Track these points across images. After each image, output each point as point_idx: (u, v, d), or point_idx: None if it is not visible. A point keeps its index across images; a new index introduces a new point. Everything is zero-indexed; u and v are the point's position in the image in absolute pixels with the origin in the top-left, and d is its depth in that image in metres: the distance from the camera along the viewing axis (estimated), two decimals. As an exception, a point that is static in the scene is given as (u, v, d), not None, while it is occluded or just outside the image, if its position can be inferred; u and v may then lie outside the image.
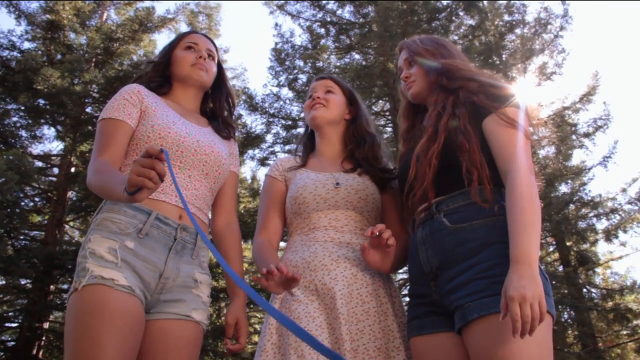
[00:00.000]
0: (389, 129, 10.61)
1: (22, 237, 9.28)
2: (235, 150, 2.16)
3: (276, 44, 11.38)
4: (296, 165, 2.23)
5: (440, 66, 1.93)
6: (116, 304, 1.54)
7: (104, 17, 11.35)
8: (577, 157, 10.76)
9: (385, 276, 2.01)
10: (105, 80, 9.14)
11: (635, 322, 10.05)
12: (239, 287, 1.89)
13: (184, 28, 11.31)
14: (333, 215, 2.03)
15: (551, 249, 10.81)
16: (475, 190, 1.69)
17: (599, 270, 11.48)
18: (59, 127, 9.85)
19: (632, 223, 10.22)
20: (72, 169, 9.64)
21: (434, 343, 1.72)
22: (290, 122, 11.26)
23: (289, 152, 10.80)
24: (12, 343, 8.92)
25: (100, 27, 10.18)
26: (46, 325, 8.73)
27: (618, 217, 10.21)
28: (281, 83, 11.27)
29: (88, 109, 9.84)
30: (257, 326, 11.95)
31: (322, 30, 11.50)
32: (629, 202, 10.27)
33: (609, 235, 10.19)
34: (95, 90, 9.46)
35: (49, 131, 10.23)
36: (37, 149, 10.33)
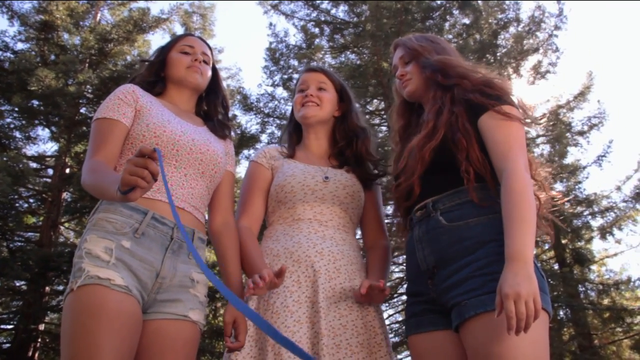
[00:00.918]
0: (383, 128, 10.61)
1: (17, 239, 9.24)
2: (231, 150, 2.15)
3: (270, 43, 11.38)
4: (284, 154, 2.21)
5: (436, 62, 1.93)
6: (113, 304, 1.53)
7: (98, 18, 11.30)
8: (572, 156, 10.75)
9: (367, 272, 2.03)
10: (100, 81, 9.10)
11: (630, 319, 10.10)
12: (235, 286, 1.88)
13: (178, 28, 11.31)
14: (319, 208, 2.03)
15: (546, 246, 10.84)
16: (472, 188, 1.70)
17: (594, 267, 11.52)
18: (53, 128, 9.80)
19: (627, 220, 10.27)
20: (67, 170, 9.59)
21: (432, 341, 1.73)
22: (285, 122, 11.22)
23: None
24: (8, 345, 8.89)
25: (94, 28, 10.14)
26: (42, 327, 8.70)
27: (613, 215, 10.25)
28: (276, 83, 11.26)
29: (82, 110, 9.81)
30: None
31: (317, 30, 11.50)
32: (624, 200, 10.31)
33: (604, 232, 10.22)
34: (90, 91, 9.43)
35: (43, 132, 10.19)
36: (31, 150, 10.29)
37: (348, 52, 11.51)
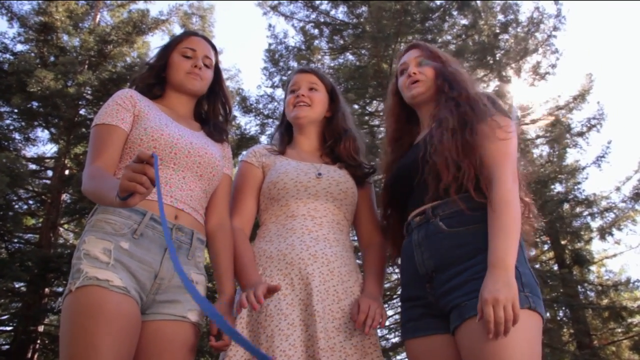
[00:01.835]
0: (382, 129, 10.61)
1: (16, 240, 9.23)
2: (228, 153, 2.15)
3: (270, 45, 11.38)
4: (274, 152, 2.21)
5: (449, 74, 1.98)
6: (111, 305, 1.53)
7: (97, 19, 11.30)
8: (571, 157, 10.77)
9: (365, 274, 2.04)
10: (99, 82, 9.10)
11: (629, 319, 10.10)
12: (225, 285, 1.87)
13: (177, 30, 11.29)
14: (312, 205, 2.02)
15: (546, 247, 10.84)
16: (473, 197, 1.72)
17: (593, 268, 11.53)
18: (52, 130, 9.80)
19: (626, 221, 10.26)
20: (66, 172, 9.58)
21: (430, 345, 1.75)
22: (284, 123, 11.21)
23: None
24: (7, 347, 8.88)
25: (94, 29, 10.14)
26: (41, 328, 8.69)
27: (612, 215, 10.25)
28: (275, 84, 11.26)
29: (82, 111, 9.80)
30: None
31: (316, 31, 11.51)
32: (623, 201, 10.31)
33: (604, 233, 10.22)
34: (89, 92, 9.42)
35: (42, 134, 10.18)
36: (30, 151, 10.27)
37: (347, 54, 11.52)
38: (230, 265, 1.91)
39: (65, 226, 10.64)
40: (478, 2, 10.87)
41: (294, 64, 11.14)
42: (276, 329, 1.77)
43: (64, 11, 10.02)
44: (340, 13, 11.45)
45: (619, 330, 10.49)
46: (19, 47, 10.03)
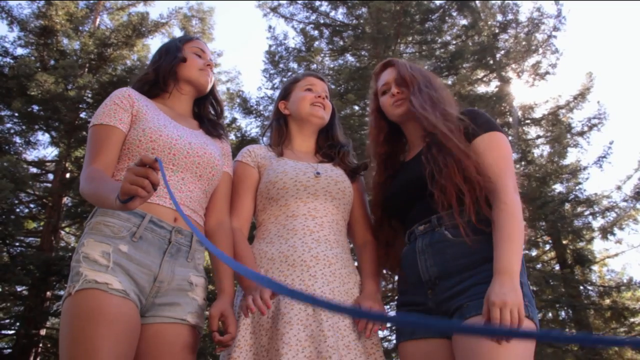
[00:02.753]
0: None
1: (17, 244, 9.25)
2: (227, 150, 2.15)
3: (270, 46, 11.40)
4: (271, 152, 2.23)
5: (425, 96, 1.99)
6: (110, 308, 1.53)
7: (97, 23, 11.33)
8: (572, 156, 10.77)
9: (361, 274, 2.06)
10: (99, 86, 9.13)
11: (632, 319, 10.08)
12: (225, 284, 1.86)
13: (177, 32, 11.32)
14: (312, 204, 2.03)
15: (547, 247, 10.83)
16: (473, 210, 1.75)
17: (595, 267, 11.51)
18: (53, 133, 9.82)
19: (627, 220, 10.25)
20: (67, 175, 9.60)
21: (425, 347, 1.78)
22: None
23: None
24: (9, 350, 8.88)
25: (94, 33, 10.17)
26: (43, 332, 8.69)
27: (614, 215, 10.24)
28: (275, 86, 11.26)
29: (82, 115, 9.82)
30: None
31: (316, 32, 11.52)
32: (624, 200, 10.30)
33: (605, 232, 10.21)
34: (89, 96, 9.44)
35: (43, 137, 10.23)
36: (31, 155, 10.31)
37: (347, 55, 11.53)
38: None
39: (67, 229, 10.65)
40: (477, 2, 10.87)
41: (294, 65, 11.16)
42: (274, 329, 1.77)
43: (63, 14, 10.04)
44: (340, 14, 11.48)
45: (622, 330, 10.46)
46: (19, 51, 10.08)
